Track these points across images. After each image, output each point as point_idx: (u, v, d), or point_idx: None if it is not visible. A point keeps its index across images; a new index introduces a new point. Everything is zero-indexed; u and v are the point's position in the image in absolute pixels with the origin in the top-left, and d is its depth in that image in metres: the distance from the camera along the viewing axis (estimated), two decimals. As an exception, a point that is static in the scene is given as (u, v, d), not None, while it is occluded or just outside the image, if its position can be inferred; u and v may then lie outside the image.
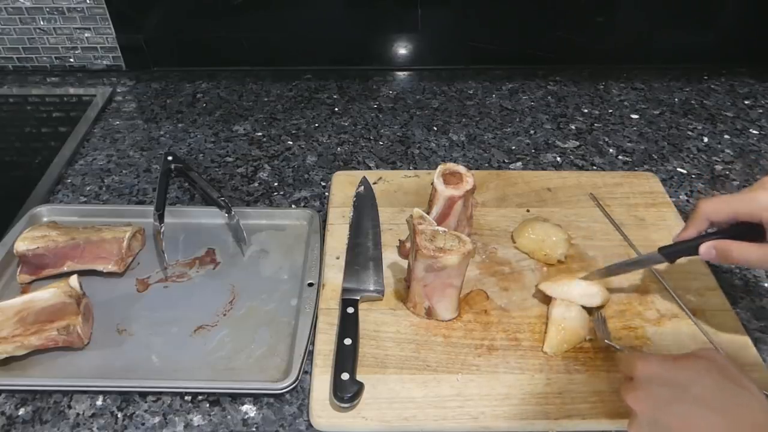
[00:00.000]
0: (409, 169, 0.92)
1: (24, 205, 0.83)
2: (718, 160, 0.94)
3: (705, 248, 0.58)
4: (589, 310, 0.66)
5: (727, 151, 0.96)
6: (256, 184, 0.89)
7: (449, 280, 0.63)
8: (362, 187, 0.81)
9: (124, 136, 0.99)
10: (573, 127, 1.02)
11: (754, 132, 1.00)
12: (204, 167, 0.92)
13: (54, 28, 1.10)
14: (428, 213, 0.72)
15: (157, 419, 0.59)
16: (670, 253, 0.62)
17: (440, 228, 0.64)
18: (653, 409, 0.45)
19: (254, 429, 0.59)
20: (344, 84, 1.13)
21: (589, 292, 0.67)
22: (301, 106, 1.07)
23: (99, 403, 0.61)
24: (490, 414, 0.58)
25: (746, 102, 1.08)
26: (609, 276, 0.68)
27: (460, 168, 0.72)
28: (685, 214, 0.82)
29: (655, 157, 0.94)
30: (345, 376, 0.59)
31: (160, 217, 0.77)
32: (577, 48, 1.14)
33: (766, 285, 0.73)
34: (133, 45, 1.13)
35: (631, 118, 1.04)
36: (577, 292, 0.66)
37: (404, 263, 0.73)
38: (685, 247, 0.60)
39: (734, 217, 0.57)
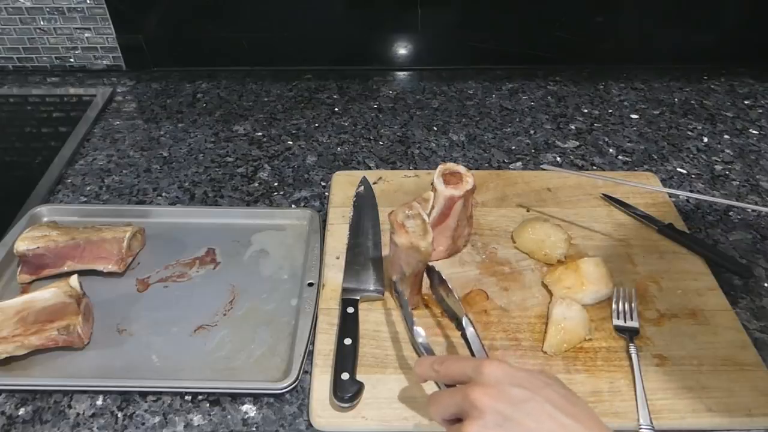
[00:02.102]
0: (409, 169, 0.92)
1: (24, 205, 0.83)
2: (718, 160, 0.94)
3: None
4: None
5: (727, 151, 0.96)
6: (256, 184, 0.89)
7: (399, 261, 0.64)
8: (362, 187, 0.81)
9: (124, 136, 0.99)
10: (573, 127, 1.02)
11: (754, 132, 1.00)
12: (204, 167, 0.92)
13: (54, 28, 1.10)
14: (429, 213, 0.72)
15: (157, 419, 0.59)
16: None
17: (425, 216, 0.64)
18: (505, 406, 0.44)
19: (254, 429, 0.59)
20: (344, 84, 1.13)
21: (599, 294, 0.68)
22: (301, 106, 1.07)
23: (99, 402, 0.61)
24: (490, 414, 0.58)
25: (746, 102, 1.08)
26: None
27: (461, 168, 0.72)
28: (685, 213, 0.82)
29: (655, 157, 0.94)
30: (345, 375, 0.59)
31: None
32: (577, 48, 1.14)
33: (766, 285, 0.73)
34: (133, 45, 1.13)
35: (631, 118, 1.04)
36: (586, 295, 0.67)
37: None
38: None
39: None
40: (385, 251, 0.74)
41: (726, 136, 0.99)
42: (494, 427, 0.44)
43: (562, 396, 0.45)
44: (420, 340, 0.59)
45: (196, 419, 0.59)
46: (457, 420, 0.47)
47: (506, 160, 0.94)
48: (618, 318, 0.66)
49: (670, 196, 0.84)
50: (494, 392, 0.45)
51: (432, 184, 0.71)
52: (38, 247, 0.70)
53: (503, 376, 0.46)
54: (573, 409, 0.45)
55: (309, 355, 0.64)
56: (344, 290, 0.69)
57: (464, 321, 0.60)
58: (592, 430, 0.44)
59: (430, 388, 0.57)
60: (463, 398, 0.46)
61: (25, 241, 0.71)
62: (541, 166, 0.82)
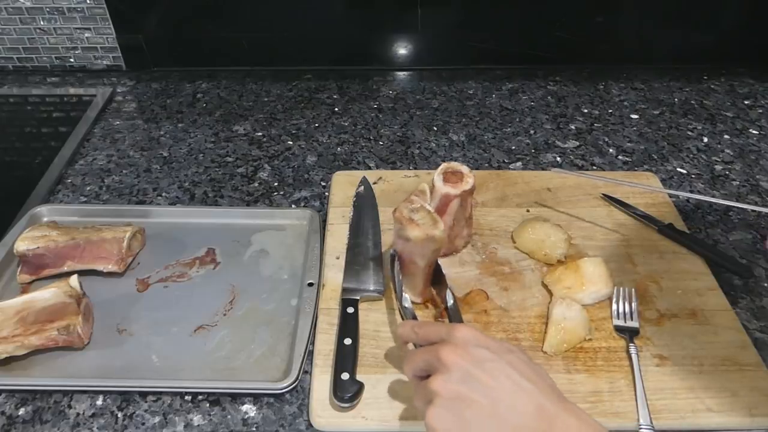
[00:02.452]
0: (409, 169, 0.92)
1: (24, 205, 0.83)
2: (718, 160, 0.94)
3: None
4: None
5: (727, 151, 0.96)
6: (256, 184, 0.89)
7: (412, 256, 0.64)
8: (362, 187, 0.81)
9: (124, 136, 0.99)
10: (573, 127, 1.02)
11: (754, 132, 1.00)
12: (204, 167, 0.92)
13: (54, 28, 1.10)
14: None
15: (157, 419, 0.59)
16: None
17: (429, 207, 0.64)
18: (469, 364, 0.47)
19: (254, 429, 0.59)
20: (344, 84, 1.13)
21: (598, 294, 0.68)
22: (301, 106, 1.07)
23: (99, 402, 0.61)
24: (490, 414, 0.58)
25: (746, 102, 1.08)
26: None
27: (463, 168, 0.72)
28: (685, 213, 0.82)
29: (655, 157, 0.94)
30: (345, 375, 0.59)
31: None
32: (577, 48, 1.14)
33: (766, 285, 0.73)
34: (133, 45, 1.13)
35: (631, 118, 1.04)
36: (586, 295, 0.68)
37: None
38: None
39: None
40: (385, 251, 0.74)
41: (726, 136, 0.99)
42: (457, 381, 0.47)
43: (523, 362, 0.48)
44: (406, 304, 0.62)
45: (196, 419, 0.59)
46: (427, 377, 0.50)
47: (506, 160, 0.94)
48: (618, 318, 0.66)
49: (670, 196, 0.84)
50: (461, 351, 0.48)
51: (432, 180, 0.71)
52: (38, 247, 0.70)
53: (472, 338, 0.49)
54: (531, 374, 0.47)
55: (309, 355, 0.64)
56: (344, 290, 0.69)
57: (447, 294, 0.64)
58: (546, 394, 0.46)
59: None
60: (433, 355, 0.49)
61: (25, 241, 0.71)
62: (552, 170, 0.82)
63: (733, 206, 0.83)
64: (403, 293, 0.64)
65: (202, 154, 0.95)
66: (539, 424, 0.45)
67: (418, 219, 0.63)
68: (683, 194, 0.78)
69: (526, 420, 0.45)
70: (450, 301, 0.63)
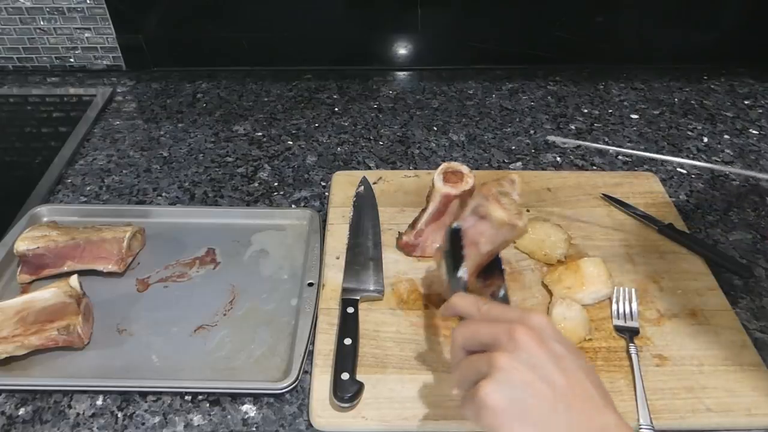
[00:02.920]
0: (409, 169, 0.92)
1: (24, 205, 0.83)
2: (718, 160, 0.94)
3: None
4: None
5: (727, 151, 0.96)
6: (256, 184, 0.89)
7: (478, 237, 0.59)
8: (362, 187, 0.81)
9: (124, 136, 0.99)
10: (573, 127, 1.02)
11: (754, 132, 1.00)
12: (204, 167, 0.92)
13: (54, 28, 1.10)
14: (425, 209, 0.72)
15: (157, 419, 0.59)
16: None
17: (517, 197, 0.61)
18: (544, 352, 0.44)
19: (254, 429, 0.59)
20: (344, 84, 1.13)
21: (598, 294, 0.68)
22: (301, 106, 1.07)
23: (99, 402, 0.61)
24: (490, 414, 0.58)
25: (746, 102, 1.08)
26: None
27: (463, 168, 0.72)
28: (685, 213, 0.82)
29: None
30: (345, 375, 0.59)
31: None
32: (577, 48, 1.14)
33: (766, 285, 0.73)
34: (133, 45, 1.13)
35: (631, 118, 1.04)
36: (586, 295, 0.68)
37: (404, 262, 0.73)
38: None
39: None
40: (386, 252, 0.74)
41: (726, 136, 0.99)
42: (527, 364, 0.43)
43: (592, 371, 0.46)
44: (462, 275, 0.57)
45: (196, 419, 0.59)
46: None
47: (506, 160, 0.94)
48: (618, 318, 0.66)
49: (670, 196, 0.84)
50: (537, 338, 0.45)
51: (432, 180, 0.71)
52: (38, 247, 0.70)
53: (550, 329, 0.46)
54: (600, 386, 0.46)
55: (309, 355, 0.64)
56: (344, 290, 0.69)
57: (502, 289, 0.60)
58: (611, 412, 0.44)
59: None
60: (504, 331, 0.45)
61: (25, 241, 0.71)
62: (550, 138, 0.80)
63: (733, 172, 0.80)
64: (462, 266, 0.58)
65: (202, 154, 0.95)
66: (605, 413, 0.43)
67: (504, 202, 0.59)
68: (683, 195, 0.78)
69: (599, 412, 0.43)
70: (501, 293, 0.59)
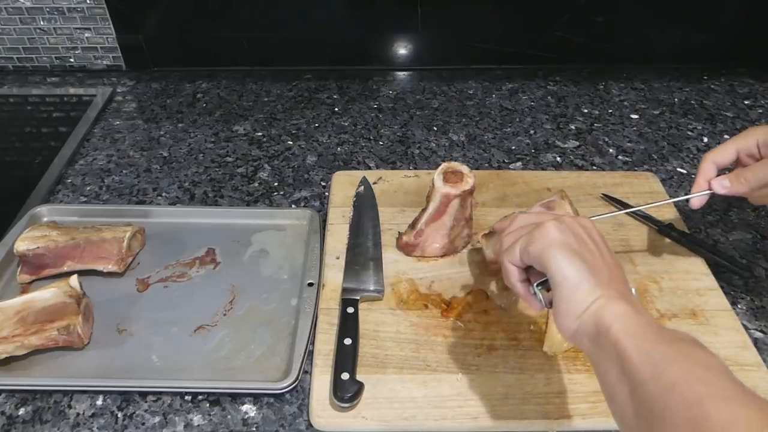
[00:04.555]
0: (409, 169, 0.92)
1: (24, 205, 0.83)
2: (718, 160, 0.94)
3: (718, 181, 0.64)
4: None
5: (727, 151, 0.96)
6: (256, 184, 0.89)
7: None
8: (362, 187, 0.81)
9: (124, 136, 0.99)
10: (573, 127, 1.02)
11: (754, 132, 1.00)
12: (204, 167, 0.92)
13: (54, 28, 1.10)
14: (425, 209, 0.72)
15: (157, 419, 0.59)
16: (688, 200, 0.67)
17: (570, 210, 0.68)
18: (583, 230, 0.52)
19: (254, 429, 0.59)
20: (344, 84, 1.13)
21: None
22: (301, 106, 1.07)
23: (99, 403, 0.61)
24: (490, 414, 0.58)
25: (746, 102, 1.08)
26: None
27: (463, 168, 0.72)
28: (685, 213, 0.82)
29: (655, 157, 0.94)
30: (345, 375, 0.59)
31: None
32: (577, 48, 1.14)
33: (766, 285, 0.73)
34: (133, 45, 1.13)
35: (631, 118, 1.04)
36: None
37: (404, 262, 0.73)
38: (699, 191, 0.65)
39: (736, 152, 0.64)
40: (386, 252, 0.74)
41: (726, 136, 0.99)
42: (572, 230, 0.50)
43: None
44: None
45: (196, 419, 0.59)
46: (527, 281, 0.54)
47: (506, 160, 0.94)
48: None
49: (670, 196, 0.84)
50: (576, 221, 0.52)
51: (432, 180, 0.71)
52: (38, 247, 0.70)
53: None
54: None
55: (309, 355, 0.64)
56: (344, 290, 0.69)
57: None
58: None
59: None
60: (549, 216, 0.53)
61: (25, 241, 0.71)
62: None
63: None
64: None
65: (202, 154, 0.95)
66: (626, 290, 0.48)
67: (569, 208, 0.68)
68: (683, 195, 0.78)
69: (624, 287, 0.48)
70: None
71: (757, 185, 0.62)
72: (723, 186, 0.64)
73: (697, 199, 0.66)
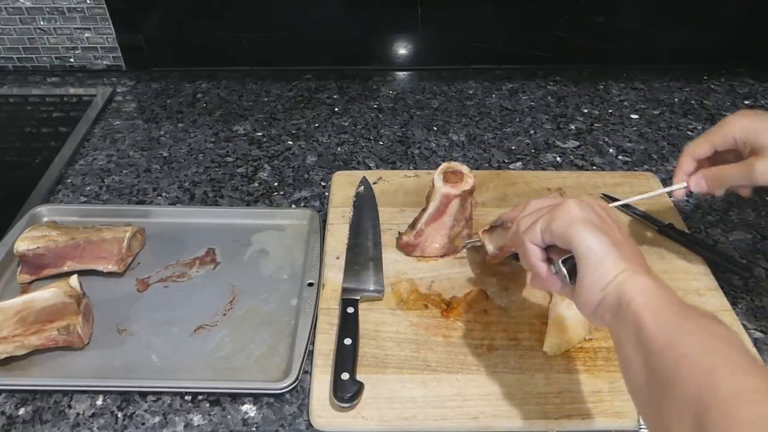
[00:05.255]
0: (409, 169, 0.92)
1: (24, 205, 0.83)
2: (718, 160, 0.94)
3: (695, 180, 0.65)
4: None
5: (727, 151, 0.96)
6: (256, 184, 0.89)
7: None
8: (362, 187, 0.81)
9: (124, 136, 0.99)
10: (573, 127, 1.02)
11: (754, 132, 1.00)
12: (204, 167, 0.92)
13: (54, 28, 1.10)
14: (425, 209, 0.72)
15: (157, 419, 0.59)
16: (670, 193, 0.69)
17: None
18: (600, 208, 0.52)
19: (254, 429, 0.59)
20: (344, 84, 1.13)
21: None
22: (301, 106, 1.07)
23: (99, 402, 0.61)
24: (490, 414, 0.58)
25: (746, 102, 1.08)
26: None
27: (463, 168, 0.72)
28: (685, 213, 0.82)
29: (655, 157, 0.94)
30: (345, 375, 0.59)
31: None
32: (577, 48, 1.14)
33: (766, 285, 0.73)
34: (133, 45, 1.13)
35: (631, 118, 1.04)
36: None
37: (404, 262, 0.73)
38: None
39: (713, 147, 0.65)
40: (386, 252, 0.74)
41: (726, 136, 0.99)
42: (592, 208, 0.51)
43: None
44: None
45: (196, 419, 0.59)
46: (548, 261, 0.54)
47: (506, 160, 0.94)
48: None
49: (670, 195, 0.84)
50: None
51: (432, 180, 0.71)
52: (38, 247, 0.70)
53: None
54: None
55: (309, 355, 0.64)
56: (344, 290, 0.69)
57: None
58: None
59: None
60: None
61: (25, 241, 0.71)
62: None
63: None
64: None
65: (202, 154, 0.95)
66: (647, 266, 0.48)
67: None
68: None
69: (645, 263, 0.49)
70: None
71: (732, 186, 0.63)
72: (699, 186, 0.65)
73: (680, 191, 0.67)
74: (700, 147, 0.66)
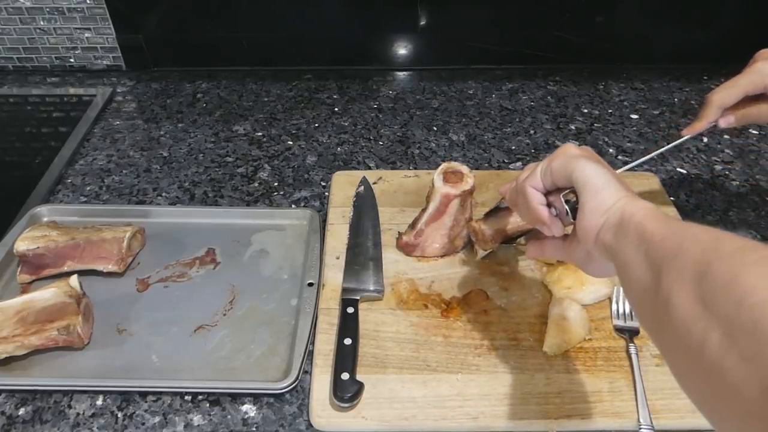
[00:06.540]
0: (409, 169, 0.92)
1: (24, 205, 0.83)
2: (718, 160, 0.94)
3: (725, 119, 0.68)
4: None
5: (727, 151, 0.96)
6: (256, 184, 0.89)
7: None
8: (362, 187, 0.81)
9: (124, 136, 0.99)
10: (573, 127, 1.02)
11: (754, 132, 1.00)
12: (204, 167, 0.92)
13: (54, 28, 1.10)
14: (425, 209, 0.72)
15: (157, 419, 0.59)
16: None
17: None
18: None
19: (254, 429, 0.59)
20: (344, 84, 1.13)
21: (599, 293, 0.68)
22: (301, 106, 1.07)
23: (99, 403, 0.61)
24: (490, 414, 0.58)
25: (746, 102, 1.08)
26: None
27: (463, 168, 0.72)
28: (685, 213, 0.82)
29: (655, 157, 0.94)
30: (345, 375, 0.59)
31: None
32: (577, 48, 1.14)
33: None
34: (133, 45, 1.13)
35: (631, 118, 1.04)
36: (585, 295, 0.68)
37: (404, 262, 0.73)
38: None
39: (744, 95, 0.65)
40: (386, 252, 0.74)
41: (726, 136, 0.99)
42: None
43: None
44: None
45: (196, 419, 0.59)
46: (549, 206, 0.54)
47: (506, 160, 0.94)
48: (618, 318, 0.66)
49: (670, 196, 0.84)
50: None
51: (432, 180, 0.71)
52: (38, 247, 0.70)
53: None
54: None
55: (309, 355, 0.64)
56: (344, 290, 0.69)
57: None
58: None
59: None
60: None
61: (25, 241, 0.71)
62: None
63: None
64: None
65: (202, 154, 0.95)
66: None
67: None
68: (683, 195, 0.78)
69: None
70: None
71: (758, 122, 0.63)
72: (728, 123, 0.67)
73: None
74: (730, 97, 0.66)
